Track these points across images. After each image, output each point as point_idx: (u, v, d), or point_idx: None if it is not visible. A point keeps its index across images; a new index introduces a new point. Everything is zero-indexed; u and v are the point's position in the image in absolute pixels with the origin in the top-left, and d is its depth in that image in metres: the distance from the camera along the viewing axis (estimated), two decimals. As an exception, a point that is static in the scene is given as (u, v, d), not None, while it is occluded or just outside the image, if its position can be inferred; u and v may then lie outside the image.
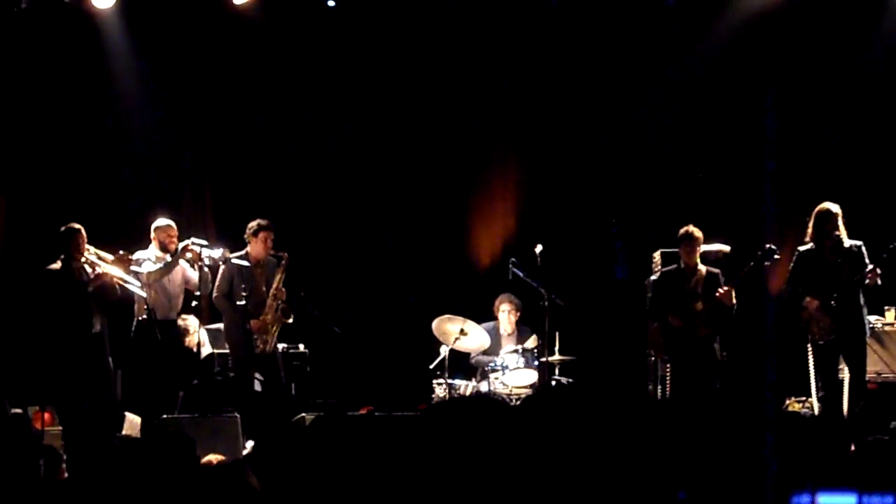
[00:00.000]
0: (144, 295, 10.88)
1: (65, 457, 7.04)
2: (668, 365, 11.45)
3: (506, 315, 12.05)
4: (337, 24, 13.29)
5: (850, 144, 12.82)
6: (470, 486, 3.44)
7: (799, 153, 12.69)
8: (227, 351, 11.49)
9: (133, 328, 11.05)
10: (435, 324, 11.64)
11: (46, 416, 10.16)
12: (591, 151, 13.52)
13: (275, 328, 11.28)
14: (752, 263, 10.73)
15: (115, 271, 10.83)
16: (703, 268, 11.03)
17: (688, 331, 10.93)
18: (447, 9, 13.19)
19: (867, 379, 10.82)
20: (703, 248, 11.16)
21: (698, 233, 10.96)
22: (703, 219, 11.23)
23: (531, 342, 11.70)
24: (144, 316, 10.86)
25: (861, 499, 3.63)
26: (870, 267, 10.39)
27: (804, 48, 12.85)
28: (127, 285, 10.83)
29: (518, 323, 12.09)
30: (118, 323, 11.17)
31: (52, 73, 12.93)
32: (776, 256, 10.72)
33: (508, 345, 11.84)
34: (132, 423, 10.58)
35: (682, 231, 11.00)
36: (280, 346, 11.56)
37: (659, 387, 11.95)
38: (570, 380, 11.58)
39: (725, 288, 10.78)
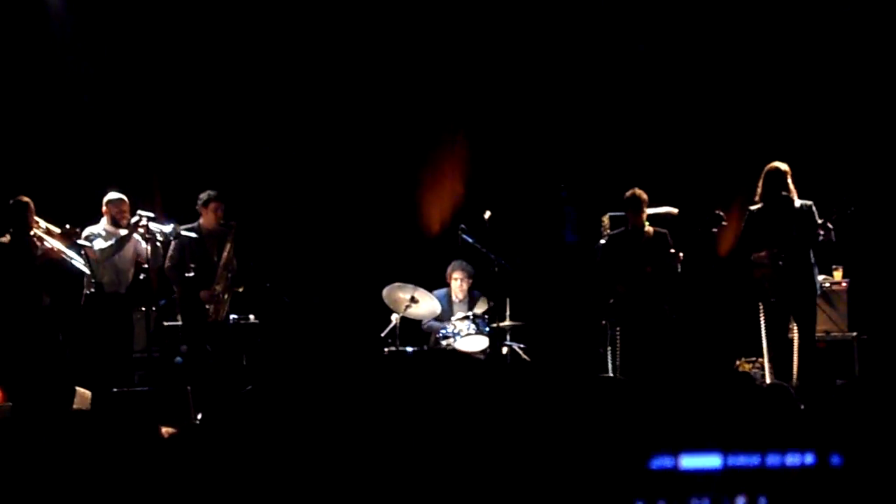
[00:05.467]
0: (88, 272, 10.74)
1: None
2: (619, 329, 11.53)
3: (458, 282, 12.07)
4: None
5: (797, 107, 12.89)
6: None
7: (746, 116, 12.80)
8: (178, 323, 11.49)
9: (82, 301, 10.96)
10: (385, 292, 11.62)
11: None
12: (539, 116, 13.54)
13: (226, 297, 11.23)
14: (699, 229, 10.77)
15: (59, 245, 10.66)
16: (650, 228, 11.06)
17: (634, 295, 10.96)
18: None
19: (816, 338, 10.91)
20: (652, 210, 11.20)
21: (643, 194, 10.98)
22: (651, 182, 11.27)
23: (480, 306, 11.75)
24: (93, 290, 10.76)
25: (726, 459, 3.60)
26: (820, 222, 10.31)
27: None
28: (71, 261, 10.68)
29: (470, 290, 12.11)
30: (67, 297, 11.07)
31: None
32: (724, 223, 10.77)
33: (460, 311, 11.86)
34: (82, 397, 10.50)
35: (627, 194, 11.03)
36: (231, 316, 11.53)
37: (610, 349, 12.02)
38: (522, 345, 11.62)
39: (674, 251, 10.80)
